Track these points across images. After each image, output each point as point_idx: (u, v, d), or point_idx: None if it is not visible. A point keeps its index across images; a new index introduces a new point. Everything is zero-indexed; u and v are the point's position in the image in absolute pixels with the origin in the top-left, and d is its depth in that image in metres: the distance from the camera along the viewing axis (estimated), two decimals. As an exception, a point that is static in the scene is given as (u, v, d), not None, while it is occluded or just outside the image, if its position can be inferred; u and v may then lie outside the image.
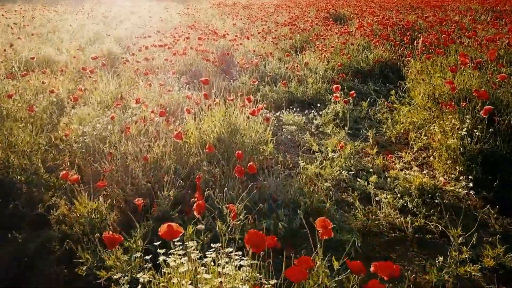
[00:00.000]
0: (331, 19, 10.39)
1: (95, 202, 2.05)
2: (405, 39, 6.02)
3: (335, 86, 4.11)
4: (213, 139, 2.78)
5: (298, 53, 7.25)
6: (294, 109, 4.28)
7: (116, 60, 6.76)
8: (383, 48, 5.92)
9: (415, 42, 5.80)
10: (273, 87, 4.90)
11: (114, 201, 2.20)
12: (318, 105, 4.39)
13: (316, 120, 4.02)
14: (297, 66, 5.58)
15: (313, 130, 3.88)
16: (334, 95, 3.96)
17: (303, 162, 2.82)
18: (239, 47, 6.75)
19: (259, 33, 8.25)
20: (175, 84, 4.56)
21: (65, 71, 5.22)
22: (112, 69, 6.13)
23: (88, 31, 9.62)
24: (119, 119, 2.95)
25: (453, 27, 6.54)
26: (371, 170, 2.98)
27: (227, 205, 1.99)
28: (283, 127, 3.83)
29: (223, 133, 2.76)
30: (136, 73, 4.58)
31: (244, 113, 2.97)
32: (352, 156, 3.10)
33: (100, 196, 2.06)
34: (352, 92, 4.10)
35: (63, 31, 9.67)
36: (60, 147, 2.95)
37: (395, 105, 4.15)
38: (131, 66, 5.22)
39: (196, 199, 2.01)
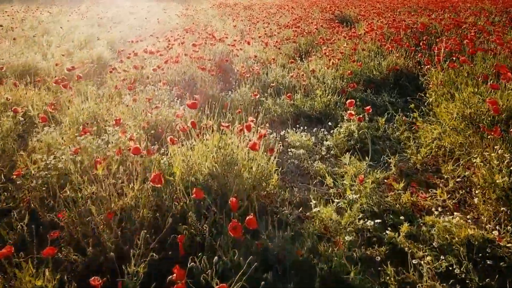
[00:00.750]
0: (336, 21, 9.85)
1: (40, 278, 1.51)
2: (421, 44, 5.46)
3: (349, 101, 3.57)
4: (204, 176, 2.23)
5: (303, 58, 6.71)
6: (301, 126, 3.74)
7: (106, 66, 6.24)
8: (397, 54, 5.37)
9: (433, 47, 5.25)
10: (277, 99, 4.36)
11: (67, 275, 1.66)
12: (329, 123, 3.84)
13: (326, 141, 3.47)
14: (302, 75, 5.03)
15: (323, 153, 3.33)
16: (349, 112, 3.41)
17: (316, 206, 2.27)
18: (239, 52, 6.20)
19: (259, 36, 7.71)
20: (166, 97, 4.02)
21: (45, 81, 4.69)
22: (98, 77, 5.60)
23: (80, 33, 9.10)
24: (91, 149, 2.40)
25: (472, 31, 5.98)
26: (398, 211, 2.43)
27: (218, 283, 1.46)
28: (289, 150, 3.28)
29: (216, 168, 2.22)
30: (119, 85, 4.04)
31: (243, 140, 2.43)
32: (374, 191, 2.55)
33: (47, 270, 1.52)
34: (367, 107, 3.57)
35: (53, 33, 9.15)
36: (18, 182, 2.41)
37: (417, 123, 3.60)
38: (118, 76, 4.69)
39: (175, 275, 1.48)
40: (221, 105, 4.09)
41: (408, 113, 4.09)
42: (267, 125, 3.50)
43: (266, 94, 4.50)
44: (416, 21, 6.92)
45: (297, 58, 6.60)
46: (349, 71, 5.08)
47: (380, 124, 3.77)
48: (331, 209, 2.24)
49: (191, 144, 2.34)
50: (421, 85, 4.74)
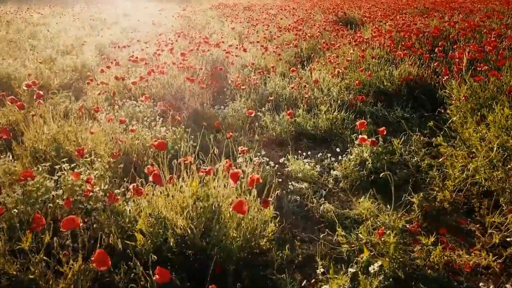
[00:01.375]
0: (340, 23, 9.31)
1: None
2: (436, 50, 4.91)
3: (359, 122, 3.03)
4: (176, 239, 1.69)
5: (305, 65, 6.18)
6: (304, 150, 3.20)
7: (90, 74, 5.71)
8: (409, 62, 4.82)
9: (450, 54, 4.71)
10: (275, 115, 3.81)
11: None
12: (337, 149, 3.28)
13: (334, 170, 2.93)
14: (304, 86, 4.49)
15: (330, 186, 2.79)
16: (360, 136, 2.87)
17: (324, 274, 1.73)
18: (235, 59, 5.67)
19: (258, 41, 7.16)
20: (148, 113, 3.50)
21: (17, 94, 4.17)
22: (78, 88, 5.07)
23: (68, 37, 8.58)
24: (34, 197, 1.87)
25: (491, 35, 5.44)
26: (429, 276, 1.89)
27: None
28: (290, 183, 2.73)
29: (192, 228, 1.68)
30: (96, 98, 3.52)
31: (229, 185, 1.89)
32: (397, 246, 2.01)
33: None
34: (381, 128, 3.02)
35: (40, 37, 8.63)
36: None
37: (441, 149, 3.06)
38: (98, 88, 4.15)
39: None
40: (211, 123, 3.56)
41: (425, 131, 3.57)
42: (263, 152, 2.96)
43: (263, 109, 3.96)
44: (428, 24, 6.36)
45: (298, 65, 6.07)
46: (357, 81, 4.54)
47: (395, 147, 3.23)
48: (345, 280, 1.70)
49: (161, 193, 1.80)
50: (439, 98, 4.20)
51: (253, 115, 3.35)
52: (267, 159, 2.81)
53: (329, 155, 3.11)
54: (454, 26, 6.32)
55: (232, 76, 4.90)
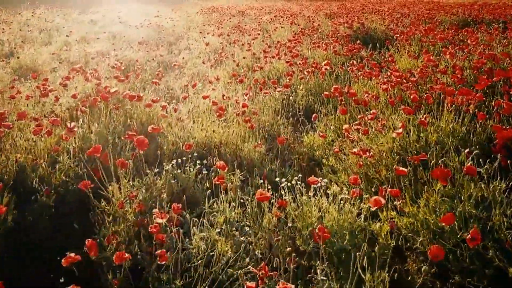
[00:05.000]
0: (357, 40, 6.33)
1: None
2: None
3: None
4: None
5: (301, 127, 3.31)
6: None
7: None
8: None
9: None
10: None
11: None
12: None
13: None
14: (286, 238, 1.54)
15: None
16: None
17: None
18: (162, 137, 2.76)
19: (231, 78, 4.19)
20: None
21: None
22: None
23: None
24: None
25: None
26: None
27: None
28: None
29: None
30: None
31: None
32: None
33: None
34: None
35: None
36: None
37: None
38: None
39: None
40: None
41: None
42: None
43: None
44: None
45: (287, 128, 3.18)
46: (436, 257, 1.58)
47: None
48: None
49: None
50: None
51: None
52: None
53: None
54: None
55: (134, 206, 1.96)
